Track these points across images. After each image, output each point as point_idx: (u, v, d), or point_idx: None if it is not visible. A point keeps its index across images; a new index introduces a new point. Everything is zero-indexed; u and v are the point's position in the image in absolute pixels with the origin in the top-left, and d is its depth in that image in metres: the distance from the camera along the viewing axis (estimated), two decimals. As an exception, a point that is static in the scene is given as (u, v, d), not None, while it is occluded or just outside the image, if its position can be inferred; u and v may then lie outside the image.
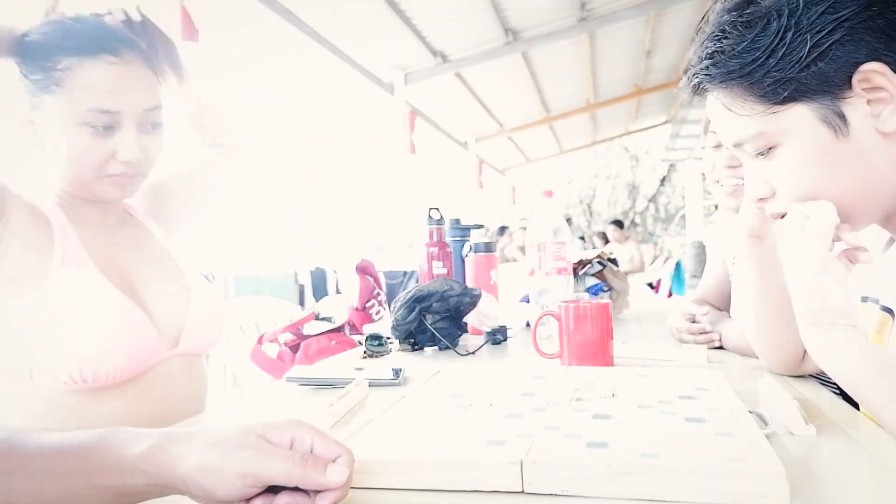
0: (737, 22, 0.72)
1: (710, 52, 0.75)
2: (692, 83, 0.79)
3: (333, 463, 0.49)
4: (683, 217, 16.40)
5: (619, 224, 8.24)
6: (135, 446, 0.49)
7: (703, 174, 1.84)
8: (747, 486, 0.50)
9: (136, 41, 0.99)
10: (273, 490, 0.48)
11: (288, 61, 5.50)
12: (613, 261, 1.86)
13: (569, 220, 17.28)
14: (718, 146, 1.35)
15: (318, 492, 0.48)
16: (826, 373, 0.72)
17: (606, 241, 8.30)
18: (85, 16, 1.00)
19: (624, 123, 11.98)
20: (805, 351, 0.92)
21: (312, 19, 4.92)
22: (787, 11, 0.69)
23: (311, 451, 0.49)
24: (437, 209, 1.60)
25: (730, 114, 0.76)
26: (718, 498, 0.50)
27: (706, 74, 0.76)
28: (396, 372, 1.01)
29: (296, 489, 0.48)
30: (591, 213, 18.16)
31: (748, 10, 0.72)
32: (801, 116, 0.72)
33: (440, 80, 6.75)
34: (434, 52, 6.22)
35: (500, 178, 12.26)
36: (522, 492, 0.54)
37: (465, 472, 0.55)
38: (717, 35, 0.74)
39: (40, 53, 0.94)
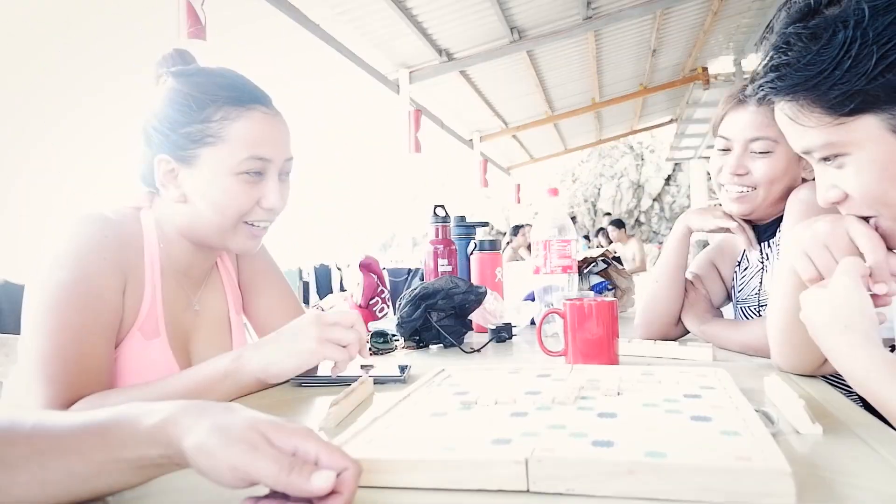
0: (802, 33, 0.71)
1: (775, 63, 0.74)
2: (758, 94, 0.77)
3: (318, 470, 0.47)
4: (688, 216, 16.34)
5: (618, 223, 8.19)
6: (149, 419, 0.50)
7: (709, 173, 1.76)
8: (753, 484, 0.50)
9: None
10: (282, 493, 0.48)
11: (293, 59, 5.53)
12: (618, 259, 1.87)
13: (573, 219, 17.27)
14: (726, 150, 1.22)
15: (323, 498, 0.47)
16: (843, 375, 0.73)
17: (610, 241, 8.27)
18: (228, 69, 0.99)
19: (629, 122, 11.96)
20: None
21: (318, 17, 4.93)
22: (853, 22, 0.67)
23: (316, 464, 0.49)
24: (442, 206, 1.60)
25: (796, 124, 0.75)
26: (724, 497, 0.50)
27: (772, 87, 0.75)
28: (402, 369, 1.01)
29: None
30: (595, 212, 18.11)
31: (813, 21, 0.70)
32: (869, 127, 0.70)
33: (445, 79, 6.76)
34: (439, 51, 6.22)
35: (505, 177, 12.24)
36: (528, 491, 0.54)
37: (470, 470, 0.55)
38: (782, 46, 0.73)
39: (193, 106, 0.93)
